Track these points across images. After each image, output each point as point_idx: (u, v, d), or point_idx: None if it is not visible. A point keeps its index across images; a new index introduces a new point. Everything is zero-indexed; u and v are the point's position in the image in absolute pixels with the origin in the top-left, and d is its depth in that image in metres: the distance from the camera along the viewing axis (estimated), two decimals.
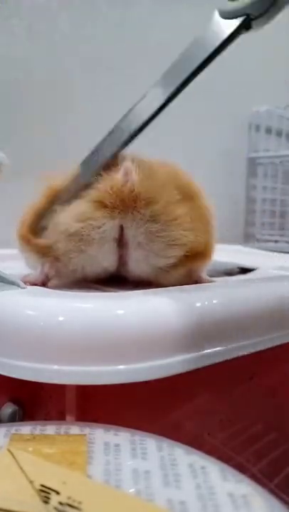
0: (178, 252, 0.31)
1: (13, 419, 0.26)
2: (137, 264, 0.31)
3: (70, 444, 0.20)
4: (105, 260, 0.31)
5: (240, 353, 0.27)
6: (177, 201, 0.31)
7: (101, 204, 0.29)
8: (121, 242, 0.30)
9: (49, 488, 0.17)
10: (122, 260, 0.31)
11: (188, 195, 0.32)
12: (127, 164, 0.30)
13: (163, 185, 0.31)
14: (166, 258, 0.31)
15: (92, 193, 0.30)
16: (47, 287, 0.31)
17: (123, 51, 0.67)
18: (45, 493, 0.16)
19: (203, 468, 0.19)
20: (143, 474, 0.18)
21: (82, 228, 0.29)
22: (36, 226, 0.32)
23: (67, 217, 0.30)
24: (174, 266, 0.31)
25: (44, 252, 0.31)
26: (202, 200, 0.34)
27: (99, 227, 0.29)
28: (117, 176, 0.30)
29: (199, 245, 0.32)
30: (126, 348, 0.22)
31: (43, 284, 0.32)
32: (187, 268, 0.32)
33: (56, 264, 0.32)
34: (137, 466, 0.19)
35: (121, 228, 0.30)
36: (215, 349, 0.25)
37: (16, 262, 0.35)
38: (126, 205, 0.29)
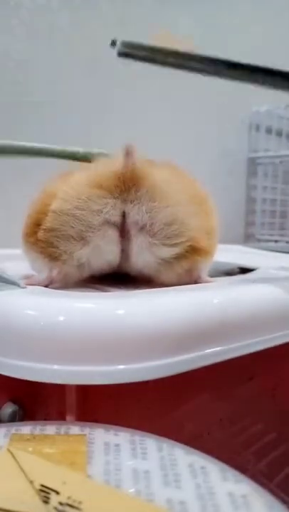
0: (182, 239, 0.30)
1: (13, 419, 0.26)
2: (140, 254, 0.30)
3: (70, 444, 0.20)
4: (109, 251, 0.30)
5: (240, 353, 0.26)
6: (180, 188, 0.31)
7: (101, 187, 0.29)
8: (123, 231, 0.30)
9: (49, 488, 0.17)
10: (124, 254, 0.31)
11: (192, 194, 0.32)
12: (128, 144, 0.29)
13: (165, 173, 0.31)
14: (170, 247, 0.30)
15: (91, 176, 0.29)
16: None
17: None
18: (45, 493, 0.16)
19: (203, 468, 0.19)
20: (143, 474, 0.18)
21: (82, 211, 0.29)
22: (36, 225, 0.31)
23: (66, 199, 0.29)
24: (177, 259, 0.31)
25: (52, 256, 0.30)
26: (206, 200, 0.34)
27: (99, 212, 0.29)
28: (118, 159, 0.29)
29: (202, 237, 0.31)
30: (126, 348, 0.22)
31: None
32: (189, 262, 0.31)
33: (64, 269, 0.31)
34: (136, 466, 0.19)
35: (123, 215, 0.29)
36: (215, 349, 0.25)
37: (16, 262, 0.34)
38: (128, 187, 0.28)
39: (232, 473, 0.18)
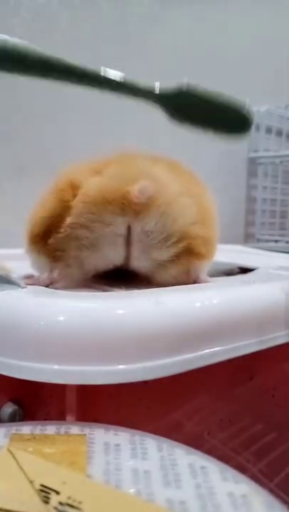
0: (180, 247, 0.31)
1: (13, 419, 0.26)
2: (139, 258, 0.31)
3: (70, 444, 0.20)
4: (116, 256, 0.31)
5: (240, 353, 0.26)
6: (182, 196, 0.31)
7: (112, 204, 0.30)
8: (127, 240, 0.31)
9: (49, 488, 0.17)
10: (125, 257, 0.32)
11: (193, 193, 0.32)
12: (144, 185, 0.30)
13: (172, 189, 0.31)
14: (167, 251, 0.31)
15: (105, 191, 0.30)
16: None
17: (123, 51, 0.67)
18: (45, 493, 0.16)
19: (203, 468, 0.19)
20: (143, 474, 0.18)
21: (94, 224, 0.30)
22: (47, 228, 0.32)
23: (81, 212, 0.30)
24: (173, 262, 0.32)
25: (55, 256, 0.31)
26: (206, 198, 0.34)
27: (109, 225, 0.30)
28: (132, 188, 0.30)
29: (199, 244, 0.32)
30: (126, 348, 0.22)
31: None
32: (185, 266, 0.32)
33: (66, 270, 0.31)
34: (137, 466, 0.19)
35: (128, 229, 0.30)
36: (214, 349, 0.25)
37: (16, 262, 0.34)
38: (136, 212, 0.30)
39: (232, 473, 0.18)
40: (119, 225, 0.30)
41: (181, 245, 0.31)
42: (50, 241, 0.31)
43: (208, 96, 0.28)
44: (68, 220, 0.30)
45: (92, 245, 0.31)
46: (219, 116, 0.28)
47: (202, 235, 0.32)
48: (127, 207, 0.30)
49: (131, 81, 0.27)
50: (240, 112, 0.28)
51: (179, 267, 0.32)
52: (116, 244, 0.31)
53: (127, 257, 0.32)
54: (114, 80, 0.27)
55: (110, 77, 0.28)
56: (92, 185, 0.31)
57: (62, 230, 0.30)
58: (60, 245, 0.31)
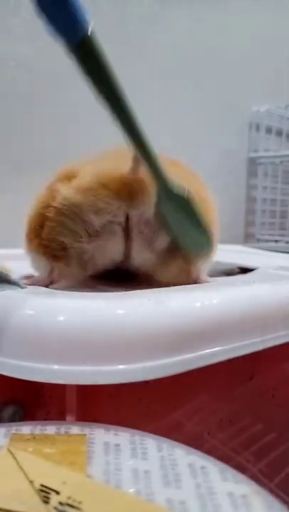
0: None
1: (13, 419, 0.26)
2: (139, 252, 0.31)
3: (70, 444, 0.20)
4: (114, 249, 0.31)
5: (240, 353, 0.26)
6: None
7: (107, 188, 0.29)
8: (126, 231, 0.30)
9: (49, 488, 0.17)
10: (125, 251, 0.31)
11: (193, 188, 0.32)
12: (136, 155, 0.29)
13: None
14: (164, 237, 0.31)
15: (99, 174, 0.30)
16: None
17: (123, 51, 0.67)
18: (45, 493, 0.16)
19: (203, 468, 0.19)
20: (143, 474, 0.18)
21: (89, 208, 0.29)
22: (43, 221, 0.31)
23: (71, 196, 0.30)
24: (174, 256, 0.31)
25: (54, 255, 0.31)
26: (206, 195, 0.34)
27: (105, 211, 0.30)
28: (124, 155, 0.29)
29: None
30: (126, 348, 0.22)
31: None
32: (187, 261, 0.32)
33: (66, 269, 0.31)
34: (137, 466, 0.19)
35: (126, 218, 0.30)
36: (214, 349, 0.25)
37: (16, 262, 0.34)
38: (133, 194, 0.29)
39: (232, 473, 0.18)
40: (116, 211, 0.29)
41: None
42: (44, 232, 0.30)
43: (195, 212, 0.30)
44: (60, 206, 0.30)
45: (91, 236, 0.30)
46: (190, 233, 0.30)
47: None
48: (121, 189, 0.29)
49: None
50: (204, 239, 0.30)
51: (179, 262, 0.32)
52: (115, 233, 0.30)
53: (127, 252, 0.31)
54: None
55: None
56: (86, 172, 0.31)
57: (55, 217, 0.30)
58: (55, 237, 0.30)
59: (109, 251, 0.31)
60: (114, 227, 0.30)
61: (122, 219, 0.30)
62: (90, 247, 0.30)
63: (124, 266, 0.33)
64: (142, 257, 0.31)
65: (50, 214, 0.30)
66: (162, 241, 0.31)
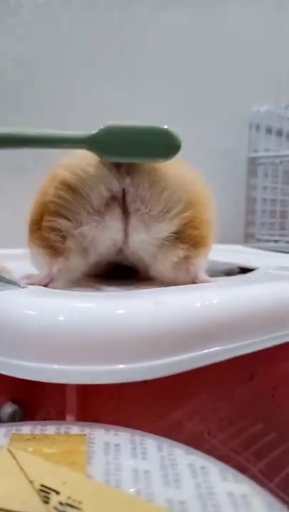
0: (179, 214, 0.31)
1: (13, 419, 0.26)
2: (137, 231, 0.31)
3: (70, 444, 0.20)
4: (114, 228, 0.31)
5: (240, 353, 0.26)
6: (180, 172, 0.31)
7: (100, 162, 0.30)
8: (124, 208, 0.30)
9: (49, 488, 0.17)
10: (124, 234, 0.31)
11: (191, 179, 0.32)
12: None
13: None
14: (167, 223, 0.31)
15: (90, 154, 0.30)
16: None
17: (123, 51, 0.67)
18: (45, 493, 0.16)
19: (203, 468, 0.19)
20: (143, 474, 0.18)
21: (84, 185, 0.30)
22: (51, 222, 0.31)
23: (65, 174, 0.30)
24: (172, 242, 0.31)
25: (53, 247, 0.30)
26: (205, 190, 0.34)
27: (101, 184, 0.30)
28: None
29: (201, 211, 0.32)
30: (126, 347, 0.22)
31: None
32: (185, 249, 0.32)
33: (66, 264, 0.31)
34: (137, 466, 0.19)
35: (123, 194, 0.30)
36: (215, 349, 0.25)
37: (16, 262, 0.34)
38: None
39: (232, 473, 0.18)
40: (113, 183, 0.30)
41: (185, 215, 0.31)
42: (44, 220, 0.30)
43: (132, 129, 0.29)
44: (57, 188, 0.30)
45: (89, 214, 0.30)
46: (147, 144, 0.29)
47: (202, 207, 0.32)
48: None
49: (59, 134, 0.31)
50: (166, 135, 0.30)
51: (178, 251, 0.31)
52: (113, 209, 0.30)
53: (126, 231, 0.31)
54: (42, 138, 0.31)
55: (38, 135, 0.31)
56: (80, 154, 0.31)
57: (54, 200, 0.30)
58: (54, 224, 0.30)
59: (110, 230, 0.31)
60: (113, 202, 0.30)
61: (116, 190, 0.30)
62: (90, 229, 0.30)
63: (124, 254, 0.32)
64: (139, 238, 0.31)
65: (48, 198, 0.30)
66: (161, 229, 0.31)
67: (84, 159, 0.30)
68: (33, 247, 0.32)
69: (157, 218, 0.31)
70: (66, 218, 0.30)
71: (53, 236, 0.30)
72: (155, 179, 0.30)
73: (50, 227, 0.30)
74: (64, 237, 0.30)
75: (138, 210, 0.30)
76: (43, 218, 0.31)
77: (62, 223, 0.30)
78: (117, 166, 0.30)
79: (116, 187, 0.30)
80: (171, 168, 0.31)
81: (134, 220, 0.31)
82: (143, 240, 0.31)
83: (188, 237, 0.31)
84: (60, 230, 0.30)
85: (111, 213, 0.30)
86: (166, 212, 0.31)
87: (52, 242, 0.30)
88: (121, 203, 0.30)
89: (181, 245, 0.31)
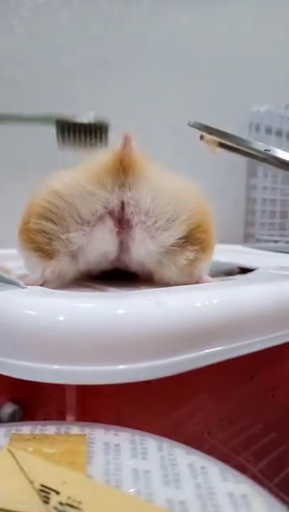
0: (184, 221, 0.30)
1: (13, 419, 0.26)
2: (142, 243, 0.30)
3: (70, 444, 0.20)
4: (105, 241, 0.30)
5: (240, 353, 0.26)
6: (178, 179, 0.32)
7: (97, 173, 0.30)
8: (121, 223, 0.30)
9: (49, 488, 0.17)
10: (124, 247, 0.31)
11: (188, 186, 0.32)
12: (126, 132, 0.29)
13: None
14: (173, 231, 0.30)
15: (89, 164, 0.30)
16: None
17: (123, 51, 0.67)
18: (45, 493, 0.16)
19: (203, 468, 0.19)
20: (143, 474, 0.18)
21: (78, 196, 0.29)
22: (37, 224, 0.31)
23: (59, 185, 0.30)
24: (179, 246, 0.31)
25: (46, 252, 0.30)
26: (202, 196, 0.34)
27: (96, 197, 0.29)
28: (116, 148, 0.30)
29: (204, 215, 0.32)
30: (126, 347, 0.22)
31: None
32: (192, 251, 0.31)
33: (58, 266, 0.31)
34: (137, 466, 0.19)
35: (122, 207, 0.30)
36: (215, 349, 0.25)
37: (16, 262, 0.34)
38: (126, 172, 0.29)
39: (232, 473, 0.18)
40: (107, 197, 0.29)
41: (193, 220, 0.30)
42: (31, 223, 0.30)
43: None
44: (46, 194, 0.30)
45: (77, 224, 0.30)
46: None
47: (205, 213, 0.32)
48: (113, 166, 0.29)
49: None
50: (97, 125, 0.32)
51: (186, 254, 0.31)
52: (104, 221, 0.30)
53: (124, 243, 0.31)
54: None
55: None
56: (75, 169, 0.31)
57: (42, 204, 0.30)
58: (40, 227, 0.30)
59: (99, 242, 0.30)
60: (104, 214, 0.30)
61: (113, 205, 0.30)
62: (78, 237, 0.30)
63: (123, 263, 0.32)
64: (143, 250, 0.31)
65: (37, 201, 0.30)
66: (168, 236, 0.30)
67: (82, 173, 0.30)
68: (24, 251, 0.32)
69: (164, 228, 0.30)
70: (52, 222, 0.30)
71: (39, 238, 0.30)
72: (157, 193, 0.30)
73: (36, 230, 0.30)
74: (50, 239, 0.30)
75: (143, 222, 0.30)
76: (30, 220, 0.31)
77: (48, 226, 0.30)
78: (118, 182, 0.30)
79: (112, 203, 0.30)
80: (172, 180, 0.31)
81: (138, 232, 0.30)
82: (149, 251, 0.31)
83: (197, 241, 0.31)
84: (45, 232, 0.30)
85: (102, 226, 0.30)
86: (172, 221, 0.30)
87: (39, 244, 0.30)
88: (118, 217, 0.30)
89: (190, 248, 0.31)
